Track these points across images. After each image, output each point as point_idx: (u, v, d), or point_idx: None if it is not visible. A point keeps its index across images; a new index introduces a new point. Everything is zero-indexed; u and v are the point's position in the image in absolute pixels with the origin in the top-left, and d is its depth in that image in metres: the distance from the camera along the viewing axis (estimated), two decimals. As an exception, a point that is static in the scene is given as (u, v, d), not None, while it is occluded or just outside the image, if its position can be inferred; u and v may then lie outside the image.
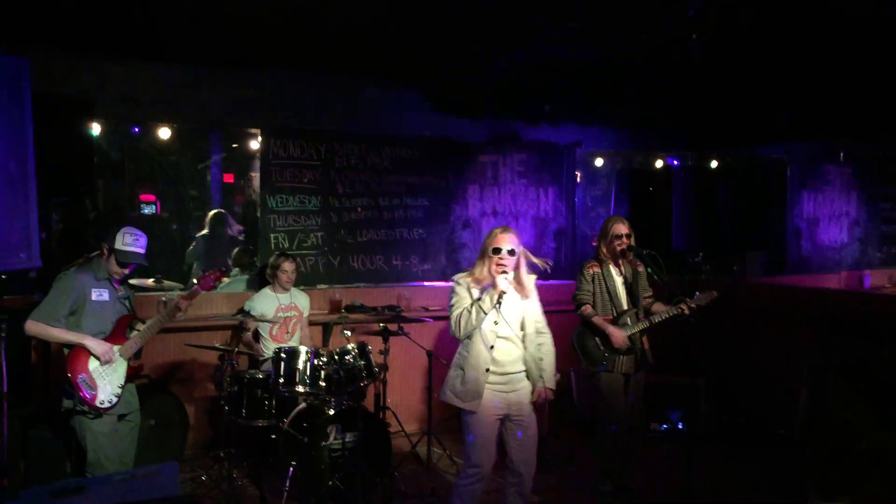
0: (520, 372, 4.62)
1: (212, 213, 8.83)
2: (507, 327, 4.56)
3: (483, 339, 4.51)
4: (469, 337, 4.52)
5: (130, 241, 4.71)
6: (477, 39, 6.49)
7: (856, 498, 1.08)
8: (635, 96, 8.19)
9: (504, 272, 4.48)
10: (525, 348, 4.63)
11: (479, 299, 4.45)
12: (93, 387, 4.56)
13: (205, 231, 8.70)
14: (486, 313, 4.44)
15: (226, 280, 7.74)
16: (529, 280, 4.69)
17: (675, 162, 9.66)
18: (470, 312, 4.43)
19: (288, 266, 6.50)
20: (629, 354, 5.74)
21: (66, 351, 4.62)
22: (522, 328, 4.64)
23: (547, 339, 4.75)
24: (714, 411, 7.38)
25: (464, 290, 4.53)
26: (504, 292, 4.46)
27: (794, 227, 9.59)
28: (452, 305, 4.54)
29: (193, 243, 8.75)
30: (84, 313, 4.64)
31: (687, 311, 5.56)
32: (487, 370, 4.49)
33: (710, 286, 5.86)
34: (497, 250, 4.50)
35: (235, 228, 8.94)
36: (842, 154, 9.99)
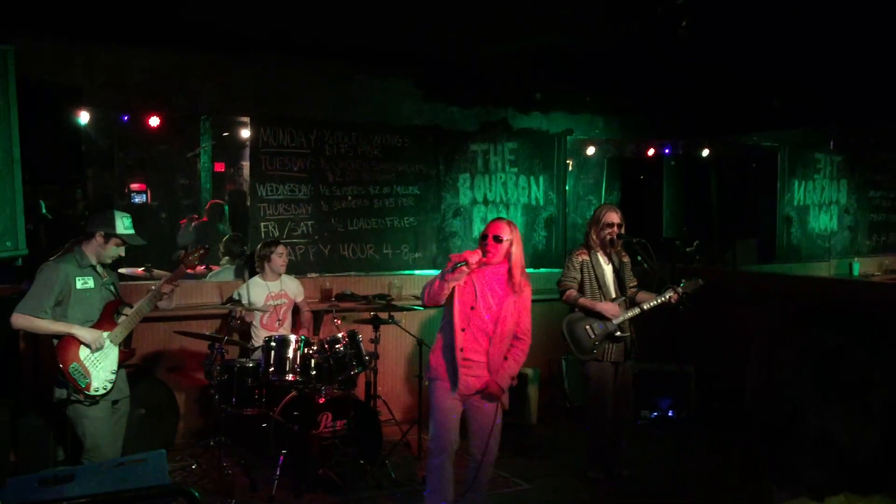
0: (483, 362, 4.66)
1: (211, 202, 8.78)
2: (481, 318, 4.60)
3: (456, 320, 4.59)
4: (449, 322, 4.61)
5: (129, 225, 4.79)
6: (468, 27, 6.46)
7: (808, 485, 1.08)
8: (626, 84, 8.18)
9: (486, 252, 4.58)
10: (492, 345, 4.63)
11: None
12: (86, 375, 4.55)
13: (204, 219, 8.67)
14: (444, 280, 4.52)
15: (215, 268, 7.72)
16: (522, 279, 4.71)
17: (667, 150, 9.65)
18: (434, 280, 4.57)
19: (282, 250, 6.48)
20: (619, 342, 5.76)
21: (55, 342, 4.59)
22: (496, 324, 4.62)
23: (521, 345, 4.76)
24: (703, 399, 7.41)
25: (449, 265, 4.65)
26: (466, 261, 4.49)
27: (784, 215, 9.61)
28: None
29: (186, 226, 8.67)
30: (70, 302, 4.61)
31: (675, 300, 5.59)
32: (461, 349, 4.58)
33: (699, 274, 5.88)
34: (484, 236, 4.64)
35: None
36: (832, 142, 10.00)
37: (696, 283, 5.66)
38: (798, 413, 1.27)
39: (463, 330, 4.58)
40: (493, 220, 4.77)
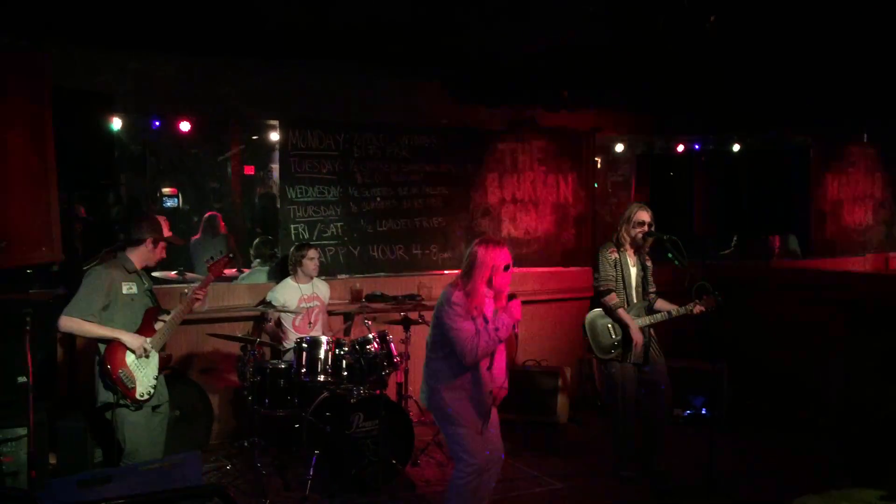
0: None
1: (206, 215, 8.76)
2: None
3: (483, 362, 4.35)
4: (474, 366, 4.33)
5: (168, 227, 4.91)
6: (494, 25, 6.45)
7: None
8: (654, 80, 8.12)
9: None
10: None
11: (496, 329, 4.23)
12: (132, 380, 4.61)
13: (198, 236, 8.60)
14: (502, 341, 4.29)
15: (246, 271, 7.78)
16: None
17: (697, 146, 9.58)
18: (489, 342, 4.20)
19: (314, 254, 6.51)
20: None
21: (101, 347, 4.65)
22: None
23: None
24: (737, 396, 7.33)
25: (464, 311, 4.22)
26: (518, 320, 4.31)
27: (818, 210, 9.48)
28: (455, 328, 4.20)
29: (189, 252, 8.40)
30: (116, 307, 4.68)
31: (699, 312, 5.58)
32: (490, 391, 4.37)
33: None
34: (507, 267, 4.28)
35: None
36: (866, 135, 9.85)
37: (711, 301, 5.59)
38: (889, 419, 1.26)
39: (489, 369, 4.38)
40: (503, 246, 4.33)
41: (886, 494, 1.09)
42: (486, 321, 4.29)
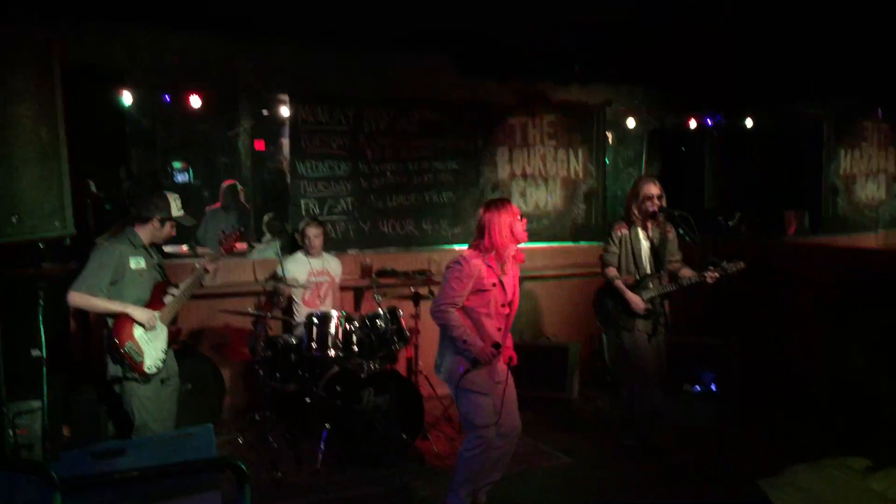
0: (508, 345, 4.65)
1: (225, 184, 8.78)
2: (507, 308, 4.56)
3: (494, 322, 4.50)
4: (481, 321, 4.47)
5: (180, 205, 4.87)
6: (504, 2, 6.40)
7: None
8: (667, 54, 8.04)
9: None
10: (508, 323, 4.63)
11: (465, 342, 4.35)
12: (140, 353, 4.63)
13: (218, 204, 8.62)
14: (465, 352, 4.39)
15: (259, 246, 7.79)
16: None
17: (709, 121, 9.50)
18: (460, 335, 4.34)
19: (310, 231, 6.49)
20: (648, 319, 5.70)
21: (109, 321, 4.68)
22: (513, 305, 4.62)
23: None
24: (747, 373, 7.33)
25: (467, 272, 4.41)
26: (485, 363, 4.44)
27: (830, 185, 9.42)
28: (448, 283, 4.40)
29: (202, 222, 8.40)
30: (124, 282, 4.69)
31: (710, 281, 5.51)
32: (499, 347, 4.49)
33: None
34: (521, 217, 4.51)
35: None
36: (880, 110, 9.75)
37: (738, 266, 5.56)
38: (884, 398, 1.26)
39: (500, 329, 4.52)
40: (507, 204, 4.58)
41: (872, 464, 1.09)
42: (505, 290, 4.46)
